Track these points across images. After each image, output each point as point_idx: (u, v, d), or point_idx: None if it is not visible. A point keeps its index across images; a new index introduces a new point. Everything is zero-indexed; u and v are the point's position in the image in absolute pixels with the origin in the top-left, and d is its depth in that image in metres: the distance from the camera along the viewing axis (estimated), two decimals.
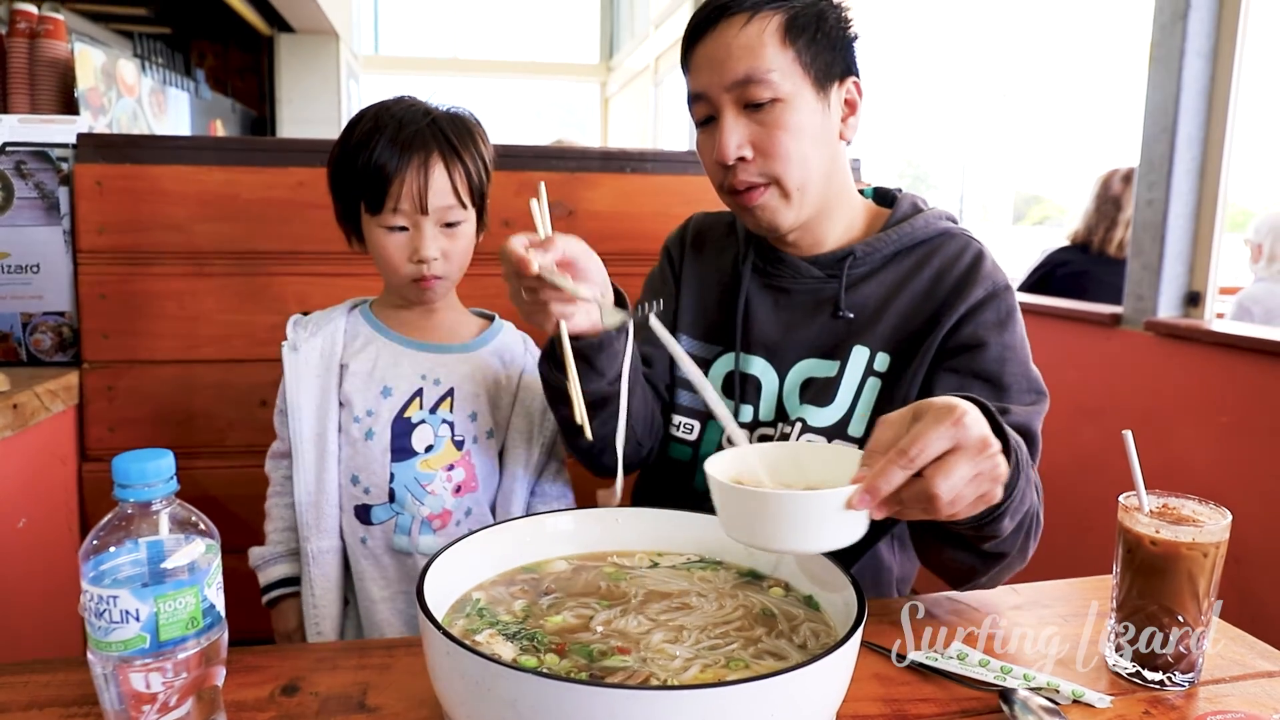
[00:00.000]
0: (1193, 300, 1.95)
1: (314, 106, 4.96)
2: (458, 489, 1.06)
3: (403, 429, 1.04)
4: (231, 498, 1.46)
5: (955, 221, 1.06)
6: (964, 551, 0.84)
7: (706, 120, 0.99)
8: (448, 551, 0.74)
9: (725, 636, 0.70)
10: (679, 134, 7.09)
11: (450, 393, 1.06)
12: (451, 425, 1.06)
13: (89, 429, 1.42)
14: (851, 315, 1.01)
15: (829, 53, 0.96)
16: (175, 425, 1.44)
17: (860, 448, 0.98)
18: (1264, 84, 1.97)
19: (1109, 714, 0.74)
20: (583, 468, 1.14)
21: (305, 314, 1.09)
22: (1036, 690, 0.75)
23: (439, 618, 0.62)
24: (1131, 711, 0.74)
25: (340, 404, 1.05)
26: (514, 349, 1.14)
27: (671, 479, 1.10)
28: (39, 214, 1.41)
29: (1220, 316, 2.07)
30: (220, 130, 3.89)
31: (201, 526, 0.56)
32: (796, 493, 0.65)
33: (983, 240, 1.05)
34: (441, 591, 0.71)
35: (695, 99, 0.99)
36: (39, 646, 1.33)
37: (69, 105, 1.81)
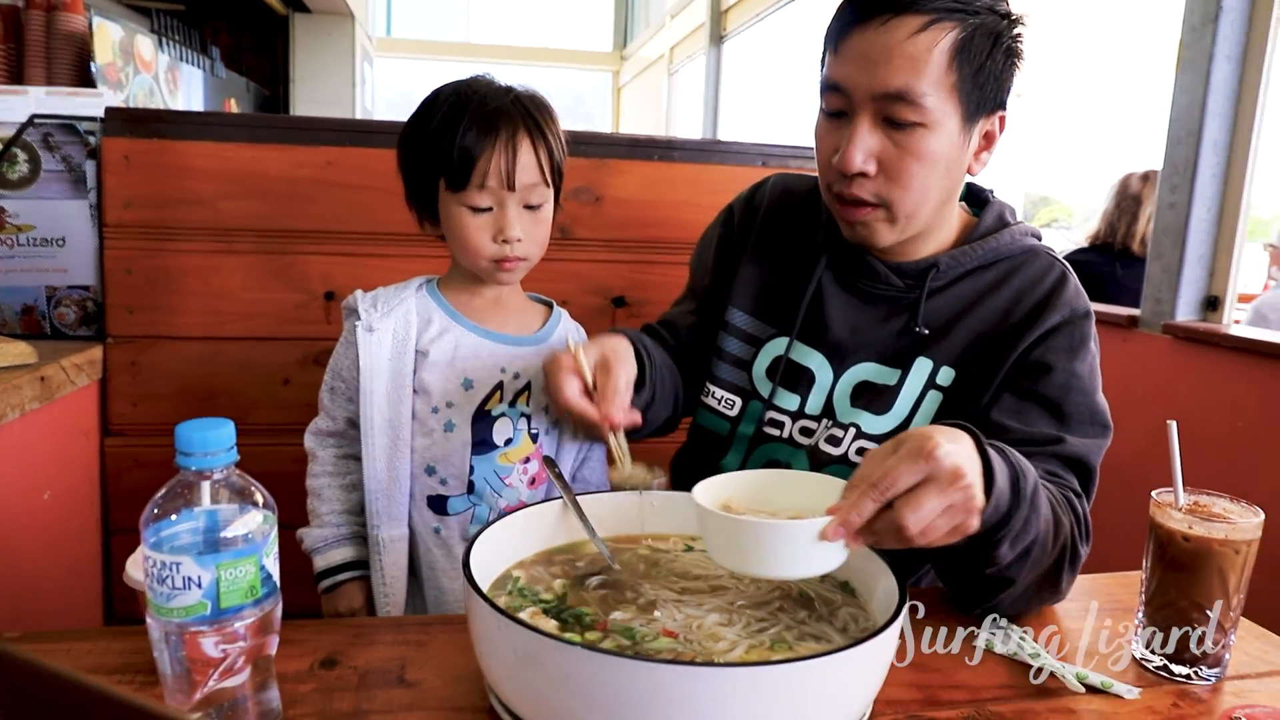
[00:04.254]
0: (1212, 305, 1.95)
1: (328, 87, 4.94)
2: (532, 481, 1.06)
3: (483, 422, 1.03)
4: (256, 475, 1.47)
5: (1040, 239, 1.03)
6: (968, 576, 0.83)
7: (837, 113, 0.92)
8: (489, 530, 0.75)
9: (769, 619, 0.71)
10: (692, 124, 7.09)
11: (528, 386, 1.06)
12: (528, 419, 1.06)
13: (112, 403, 1.43)
14: (927, 331, 0.98)
15: (991, 83, 0.90)
16: (198, 402, 1.45)
17: None
18: None
19: (1138, 705, 0.75)
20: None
21: (366, 291, 1.06)
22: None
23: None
24: (1160, 704, 0.75)
25: (415, 391, 1.02)
26: (572, 337, 1.14)
27: (705, 451, 1.10)
28: (65, 187, 1.42)
29: (1236, 323, 2.07)
30: (235, 108, 3.89)
31: (259, 497, 0.56)
32: (772, 522, 0.67)
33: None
34: (482, 570, 0.72)
35: (832, 88, 0.91)
36: (63, 617, 1.34)
37: (85, 80, 1.81)
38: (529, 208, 1.02)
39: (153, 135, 1.39)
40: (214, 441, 0.54)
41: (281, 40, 4.87)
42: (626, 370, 0.91)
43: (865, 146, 0.89)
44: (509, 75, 1.06)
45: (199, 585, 0.52)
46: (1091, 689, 0.76)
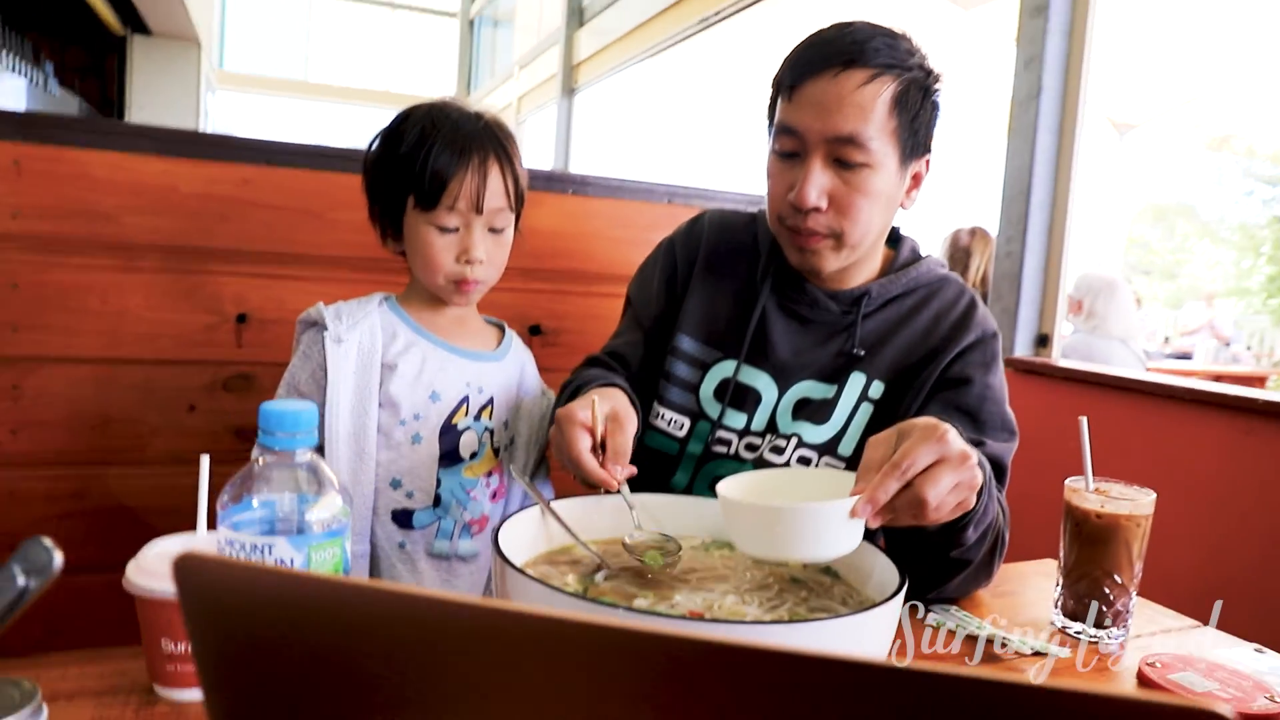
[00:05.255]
0: (1042, 341, 2.24)
1: (169, 115, 4.61)
2: (494, 495, 1.07)
3: (450, 435, 1.04)
4: (151, 509, 1.36)
5: (947, 268, 1.17)
6: (932, 559, 0.92)
7: (789, 153, 1.02)
8: (505, 530, 0.77)
9: (777, 598, 0.77)
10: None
11: (490, 401, 1.07)
12: (492, 433, 1.07)
13: None
14: (863, 353, 1.08)
15: (922, 130, 1.02)
16: (90, 429, 1.33)
17: (848, 465, 1.09)
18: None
19: (1070, 662, 0.87)
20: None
21: (327, 304, 1.06)
22: (1003, 644, 0.87)
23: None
24: (1086, 659, 0.88)
25: (380, 405, 1.02)
26: (523, 357, 1.16)
27: (653, 470, 1.14)
28: None
29: None
30: None
31: (336, 480, 0.56)
32: (808, 505, 0.73)
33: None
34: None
35: (786, 131, 1.01)
36: None
37: None
38: (493, 230, 1.05)
39: (48, 141, 1.29)
40: (304, 421, 0.53)
41: (116, 61, 4.52)
42: (632, 428, 0.93)
43: (819, 184, 0.99)
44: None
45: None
46: (1036, 652, 0.87)
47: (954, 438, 0.74)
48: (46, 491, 1.32)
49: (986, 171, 2.58)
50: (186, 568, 0.33)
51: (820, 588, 0.81)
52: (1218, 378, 6.17)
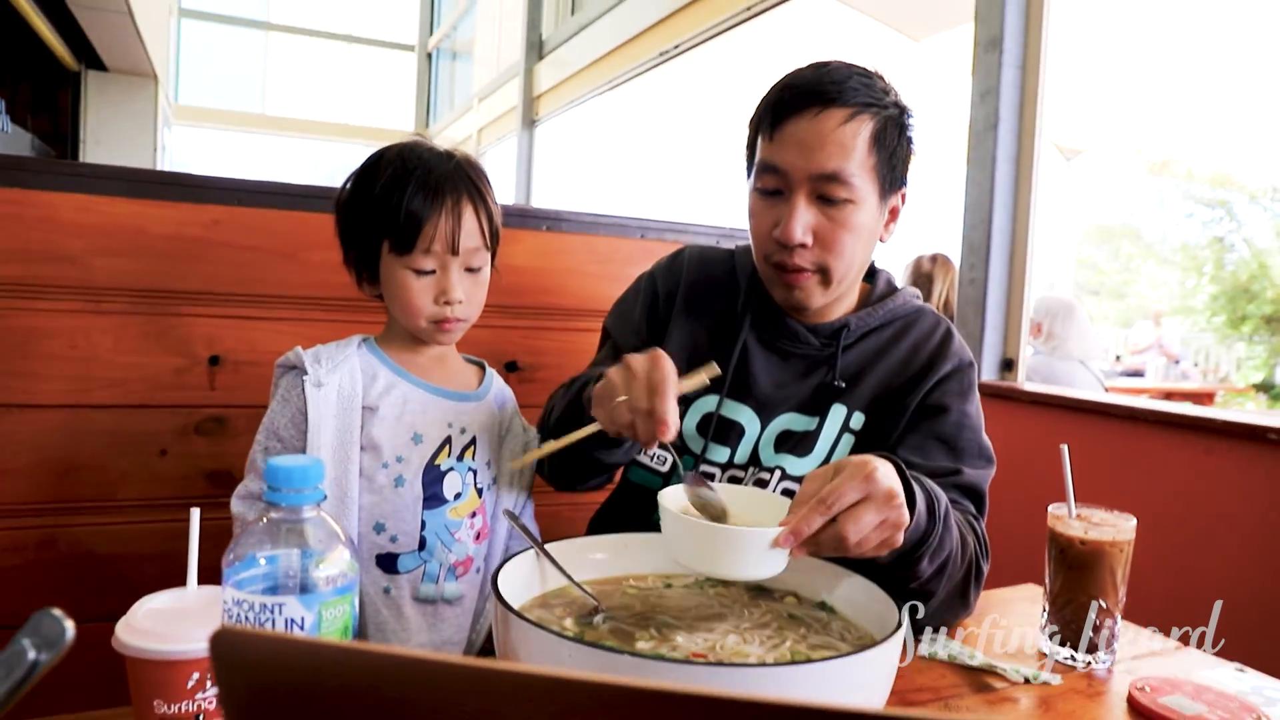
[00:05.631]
0: (1008, 366, 2.29)
1: (125, 151, 4.52)
2: (478, 535, 1.06)
3: (433, 477, 1.03)
4: (122, 557, 1.32)
5: (920, 299, 1.19)
6: (891, 591, 0.91)
7: (772, 191, 1.04)
8: (504, 570, 0.76)
9: (776, 635, 0.77)
10: (503, 203, 7.25)
11: (473, 441, 1.06)
12: (475, 473, 1.06)
13: None
14: (844, 384, 1.10)
15: (899, 165, 1.05)
16: (57, 477, 1.29)
17: None
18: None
19: (1063, 688, 0.88)
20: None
21: (305, 348, 1.04)
22: (996, 673, 0.88)
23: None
24: (1077, 685, 0.89)
25: (362, 448, 1.00)
26: (504, 395, 1.16)
27: (637, 506, 1.14)
28: None
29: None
30: None
31: (342, 535, 0.55)
32: (734, 528, 0.77)
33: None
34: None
35: (769, 169, 1.03)
36: None
37: None
38: (470, 270, 1.05)
39: (13, 184, 1.26)
40: (313, 475, 0.52)
41: (70, 97, 4.42)
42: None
43: (804, 221, 1.01)
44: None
45: (301, 628, 0.50)
46: (1027, 680, 0.88)
47: (882, 475, 0.76)
48: (12, 541, 1.27)
49: (939, 197, 2.64)
50: (224, 643, 0.32)
51: (818, 624, 0.81)
52: (1169, 394, 6.38)
